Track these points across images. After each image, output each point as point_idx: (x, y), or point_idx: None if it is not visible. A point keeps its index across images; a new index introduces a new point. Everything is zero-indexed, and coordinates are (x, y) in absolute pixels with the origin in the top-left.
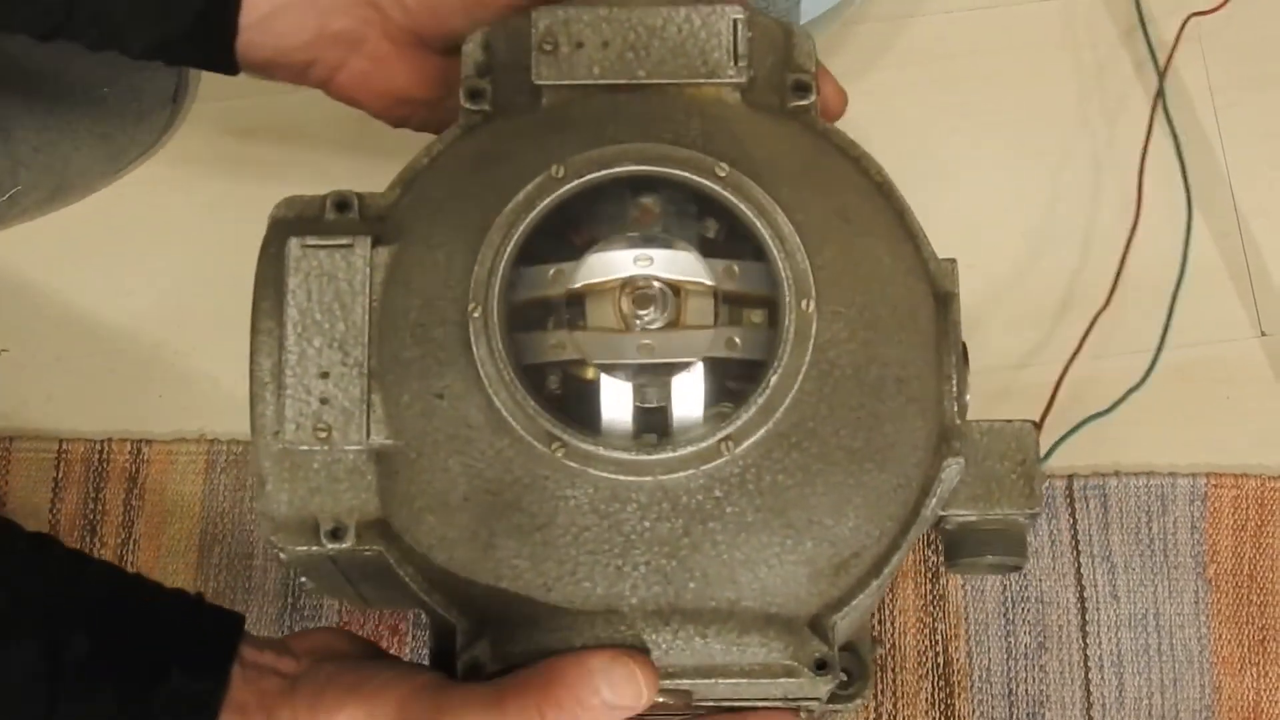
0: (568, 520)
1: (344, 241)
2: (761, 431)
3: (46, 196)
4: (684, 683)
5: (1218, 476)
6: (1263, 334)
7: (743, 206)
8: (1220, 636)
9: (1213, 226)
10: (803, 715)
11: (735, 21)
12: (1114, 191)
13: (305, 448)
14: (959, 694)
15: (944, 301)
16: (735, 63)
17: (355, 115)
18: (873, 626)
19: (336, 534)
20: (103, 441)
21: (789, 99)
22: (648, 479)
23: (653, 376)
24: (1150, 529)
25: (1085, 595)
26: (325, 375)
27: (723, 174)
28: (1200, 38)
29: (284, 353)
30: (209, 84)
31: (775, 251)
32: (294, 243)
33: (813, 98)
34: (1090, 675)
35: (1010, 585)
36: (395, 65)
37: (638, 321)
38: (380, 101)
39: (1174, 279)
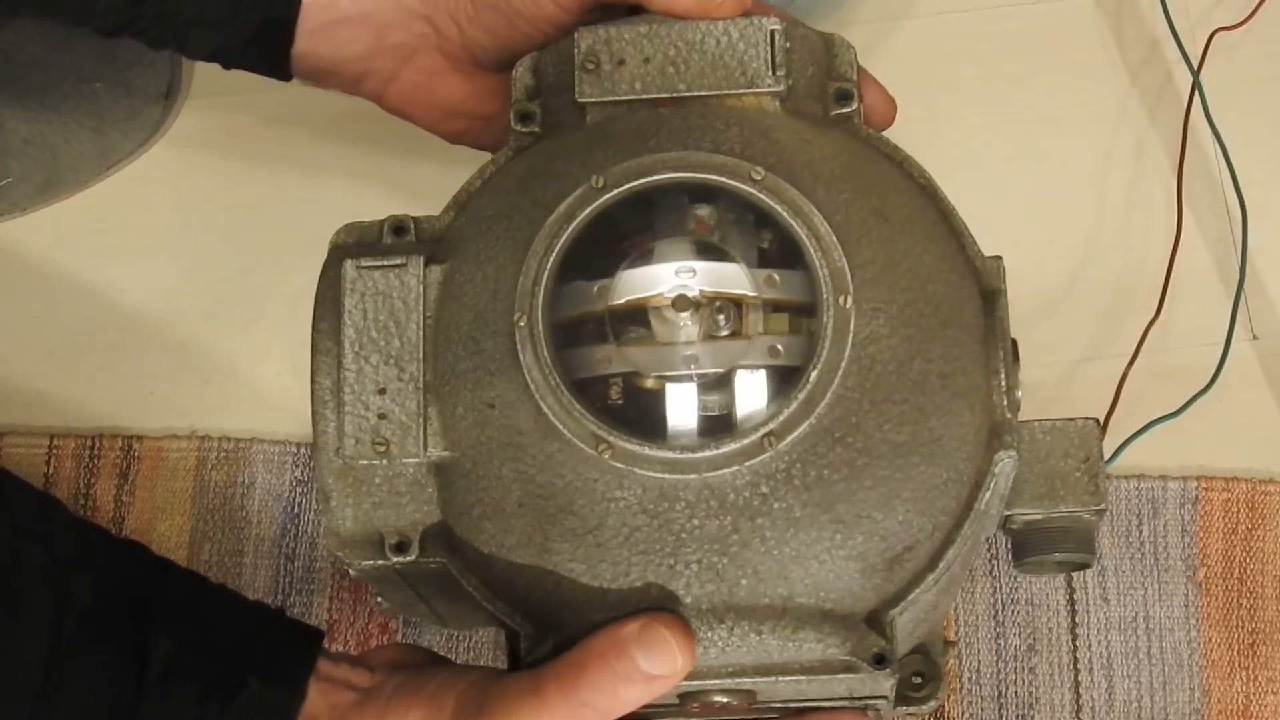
0: (618, 521)
1: (398, 261)
2: (804, 426)
3: (37, 189)
4: (745, 682)
5: (1208, 480)
6: (1254, 337)
7: (778, 208)
8: (1210, 640)
9: (1205, 228)
10: (870, 715)
11: (772, 32)
12: (1119, 193)
13: (365, 462)
14: (949, 696)
15: (990, 298)
16: (774, 72)
17: (349, 110)
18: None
19: (401, 547)
20: (94, 438)
21: (831, 107)
22: (693, 477)
23: (711, 384)
24: (1141, 532)
25: (1075, 598)
26: (383, 391)
27: (758, 177)
28: (1197, 38)
29: (342, 370)
30: (202, 80)
31: (811, 250)
32: (349, 264)
33: (855, 105)
34: (1080, 678)
35: (1000, 587)
36: (447, 79)
37: (681, 331)
38: (431, 115)
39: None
